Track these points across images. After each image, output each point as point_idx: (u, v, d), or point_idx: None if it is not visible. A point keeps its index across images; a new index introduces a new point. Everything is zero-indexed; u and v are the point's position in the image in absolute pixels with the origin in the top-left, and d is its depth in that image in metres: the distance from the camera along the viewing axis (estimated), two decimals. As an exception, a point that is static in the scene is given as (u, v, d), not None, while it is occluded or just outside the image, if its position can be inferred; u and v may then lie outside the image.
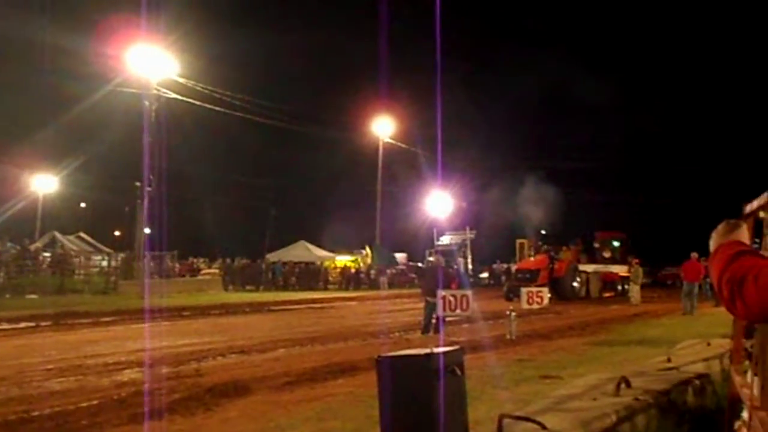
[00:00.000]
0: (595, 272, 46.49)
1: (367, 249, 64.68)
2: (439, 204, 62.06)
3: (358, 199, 66.83)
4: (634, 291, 37.19)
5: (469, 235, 63.64)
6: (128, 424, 9.59)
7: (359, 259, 65.22)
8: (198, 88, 45.30)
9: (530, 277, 41.74)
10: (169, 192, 42.35)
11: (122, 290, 40.59)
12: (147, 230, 43.44)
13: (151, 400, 10.67)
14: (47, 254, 46.13)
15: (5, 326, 23.29)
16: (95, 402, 10.98)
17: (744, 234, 2.75)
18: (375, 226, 62.67)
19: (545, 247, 46.01)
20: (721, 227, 2.78)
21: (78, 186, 63.57)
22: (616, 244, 49.98)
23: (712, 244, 2.73)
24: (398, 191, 66.75)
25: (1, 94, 55.26)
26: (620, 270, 47.67)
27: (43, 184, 59.19)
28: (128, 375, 13.70)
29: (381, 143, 62.45)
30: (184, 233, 65.08)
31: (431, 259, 54.42)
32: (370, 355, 13.23)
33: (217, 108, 47.44)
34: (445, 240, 62.94)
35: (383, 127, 62.42)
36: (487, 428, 6.15)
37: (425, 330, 21.32)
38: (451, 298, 20.86)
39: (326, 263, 64.15)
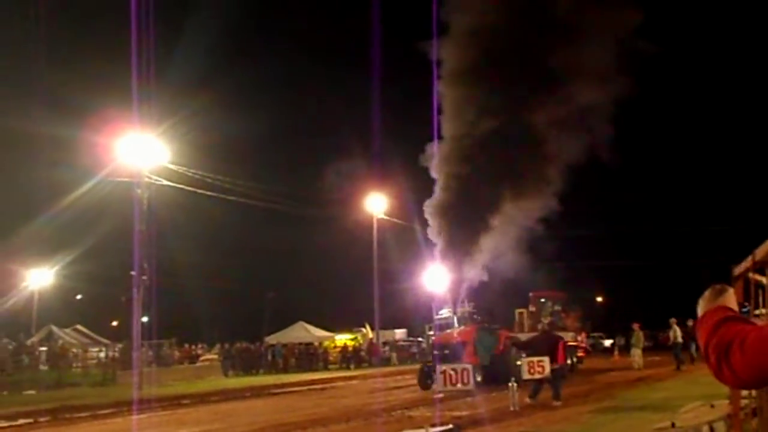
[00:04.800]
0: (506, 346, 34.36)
1: (367, 327, 64.36)
2: (436, 278, 61.75)
3: (354, 277, 66.69)
4: (636, 355, 37.15)
5: (468, 307, 63.28)
6: None
7: (359, 337, 64.88)
8: (189, 174, 45.50)
9: (450, 354, 30.99)
10: (165, 279, 42.31)
11: (121, 381, 40.23)
12: (144, 319, 43.22)
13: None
14: (44, 349, 45.82)
15: (3, 424, 22.99)
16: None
17: (731, 299, 2.71)
18: (372, 302, 62.37)
19: (476, 316, 37.17)
20: (707, 293, 2.73)
21: (73, 278, 63.36)
22: (554, 306, 42.02)
23: (699, 310, 2.69)
24: (395, 266, 66.59)
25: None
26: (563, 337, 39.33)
27: (38, 278, 59.04)
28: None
29: (375, 220, 62.52)
30: (181, 320, 64.88)
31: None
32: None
33: (209, 193, 47.58)
34: (445, 313, 62.49)
35: (376, 204, 62.54)
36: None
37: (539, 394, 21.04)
38: (452, 372, 20.67)
39: (326, 343, 63.78)
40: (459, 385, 20.43)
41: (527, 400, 20.18)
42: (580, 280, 53.53)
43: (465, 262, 39.76)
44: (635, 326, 38.15)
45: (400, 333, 68.88)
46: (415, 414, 20.49)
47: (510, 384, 20.39)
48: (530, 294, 42.27)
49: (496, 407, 20.01)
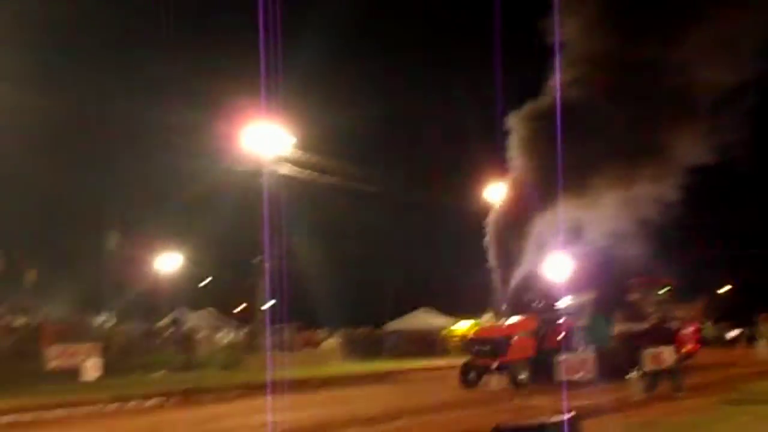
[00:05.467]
0: (621, 336, 29.42)
1: (489, 314, 64.12)
2: (557, 265, 60.97)
3: (477, 264, 66.37)
4: (762, 345, 36.30)
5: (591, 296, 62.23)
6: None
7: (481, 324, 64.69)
8: (314, 162, 45.98)
9: (491, 351, 28.50)
10: (289, 265, 42.87)
11: (246, 364, 41.02)
12: (270, 303, 43.99)
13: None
14: (172, 331, 47.11)
15: (133, 404, 23.85)
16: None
17: None
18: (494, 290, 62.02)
19: (538, 303, 33.68)
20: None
21: (202, 263, 64.89)
22: (658, 294, 37.03)
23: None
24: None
25: (127, 175, 57.24)
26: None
27: (168, 262, 60.53)
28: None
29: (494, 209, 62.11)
30: (304, 305, 65.75)
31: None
32: (492, 422, 13.18)
33: (334, 180, 48.00)
34: (567, 301, 61.51)
35: (496, 192, 62.13)
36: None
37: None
38: (573, 361, 20.62)
39: (447, 329, 63.81)
40: (581, 374, 20.38)
41: (642, 393, 19.94)
42: (705, 269, 51.96)
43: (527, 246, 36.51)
44: (761, 317, 37.34)
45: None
46: (535, 402, 20.50)
47: (631, 374, 20.21)
48: (631, 281, 37.65)
49: (617, 397, 19.85)
